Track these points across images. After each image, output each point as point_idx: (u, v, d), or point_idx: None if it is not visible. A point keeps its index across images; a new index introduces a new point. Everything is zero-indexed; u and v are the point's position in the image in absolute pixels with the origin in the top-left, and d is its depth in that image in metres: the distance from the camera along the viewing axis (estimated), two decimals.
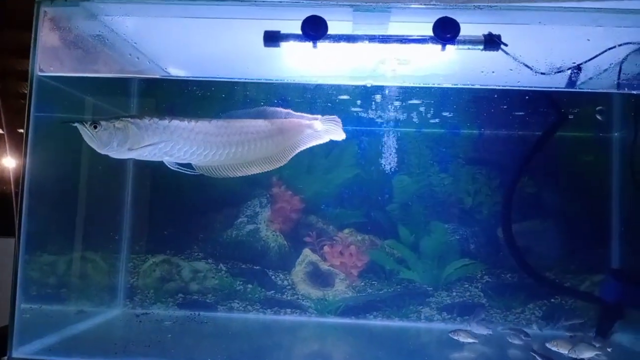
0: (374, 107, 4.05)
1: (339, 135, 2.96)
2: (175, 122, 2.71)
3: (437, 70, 2.95)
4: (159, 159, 2.80)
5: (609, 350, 3.20)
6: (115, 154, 2.69)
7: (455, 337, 3.36)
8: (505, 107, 3.81)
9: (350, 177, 4.51)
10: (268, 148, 2.86)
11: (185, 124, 2.72)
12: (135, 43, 3.03)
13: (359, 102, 3.99)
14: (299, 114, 2.92)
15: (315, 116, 2.90)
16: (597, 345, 3.26)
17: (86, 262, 4.21)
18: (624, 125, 4.10)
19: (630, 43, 2.84)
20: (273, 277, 4.38)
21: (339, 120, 2.93)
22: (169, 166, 2.84)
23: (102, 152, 2.66)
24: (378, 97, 3.81)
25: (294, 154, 2.93)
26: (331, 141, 4.52)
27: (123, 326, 3.76)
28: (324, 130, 2.93)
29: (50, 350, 2.94)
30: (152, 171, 4.38)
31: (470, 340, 3.37)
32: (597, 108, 3.45)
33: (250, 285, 4.30)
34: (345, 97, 3.81)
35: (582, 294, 4.08)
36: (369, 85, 3.32)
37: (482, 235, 4.36)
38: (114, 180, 4.28)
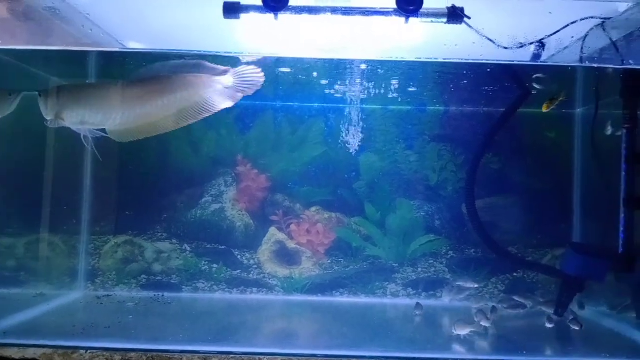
0: (339, 84, 3.99)
1: (254, 88, 2.81)
2: (87, 89, 2.85)
3: (400, 43, 2.90)
4: (79, 127, 2.86)
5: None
6: (51, 125, 2.82)
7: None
8: (470, 83, 3.80)
9: (317, 155, 4.48)
10: (174, 106, 2.79)
11: (92, 89, 2.85)
12: (88, 14, 2.88)
13: (326, 81, 3.93)
14: (211, 65, 2.80)
15: (226, 68, 2.78)
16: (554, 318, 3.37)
17: (45, 244, 4.10)
18: (587, 102, 4.16)
19: (591, 17, 2.84)
20: (239, 256, 4.34)
21: (257, 70, 2.80)
22: (84, 140, 2.89)
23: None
24: (344, 74, 3.75)
25: (208, 112, 2.81)
26: (297, 119, 4.52)
27: (83, 308, 3.67)
28: (236, 85, 2.79)
29: (5, 334, 2.84)
30: (113, 151, 4.26)
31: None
32: (534, 76, 3.43)
33: (215, 265, 4.25)
34: (315, 74, 3.76)
35: (543, 267, 4.16)
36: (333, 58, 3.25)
37: (447, 212, 4.40)
38: (73, 161, 4.15)
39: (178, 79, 2.79)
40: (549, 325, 3.31)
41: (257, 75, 2.81)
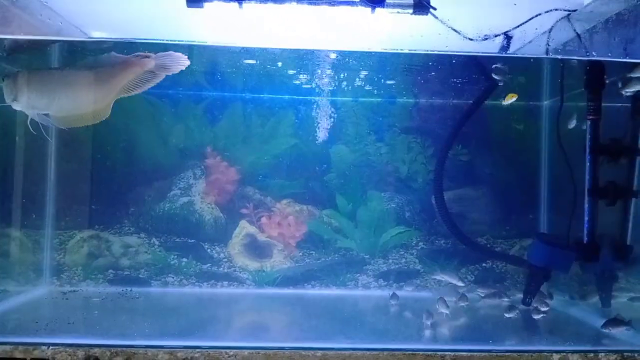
0: (309, 75, 3.97)
1: (177, 68, 2.93)
2: (38, 74, 2.94)
3: (367, 34, 2.89)
4: (30, 111, 2.96)
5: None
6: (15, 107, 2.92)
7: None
8: (438, 75, 3.82)
9: (287, 147, 4.45)
10: (101, 92, 2.95)
11: (41, 74, 2.96)
12: (46, 2, 2.80)
13: (294, 71, 3.90)
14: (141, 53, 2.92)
15: (146, 54, 2.90)
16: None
17: (8, 239, 3.98)
18: (553, 94, 4.21)
19: (556, 10, 2.87)
20: (209, 250, 4.29)
21: (177, 55, 2.90)
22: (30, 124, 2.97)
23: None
24: (312, 65, 3.73)
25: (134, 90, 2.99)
26: (267, 111, 4.47)
27: (48, 304, 3.59)
28: (159, 66, 2.91)
29: None
30: (78, 143, 4.17)
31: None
32: (493, 66, 3.45)
33: (185, 259, 4.20)
34: (281, 64, 3.72)
35: (511, 258, 4.22)
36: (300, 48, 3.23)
37: (417, 203, 4.42)
38: (36, 154, 4.04)
39: (114, 66, 2.93)
40: (508, 315, 3.35)
41: (181, 57, 2.92)
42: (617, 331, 2.97)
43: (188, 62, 2.88)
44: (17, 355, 2.51)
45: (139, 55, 2.86)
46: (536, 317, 3.36)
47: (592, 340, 3.01)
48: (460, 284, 3.85)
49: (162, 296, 3.94)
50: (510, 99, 3.71)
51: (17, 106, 2.92)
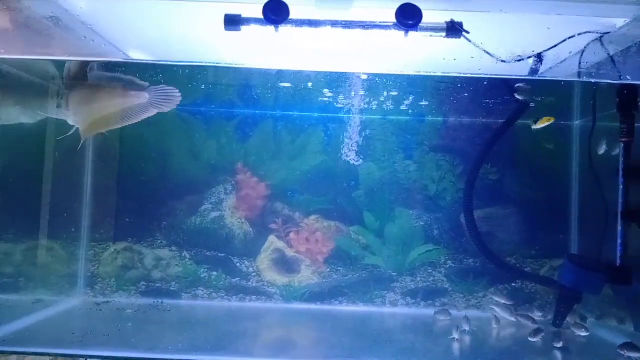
0: (339, 94, 4.02)
1: (167, 107, 3.03)
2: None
3: (400, 57, 2.93)
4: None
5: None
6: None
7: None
8: (469, 95, 3.82)
9: (316, 164, 4.51)
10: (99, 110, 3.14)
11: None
12: (90, 25, 2.91)
13: (326, 90, 3.96)
14: (139, 81, 3.07)
15: (143, 84, 3.00)
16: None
17: (44, 250, 4.11)
18: (584, 114, 4.18)
19: (589, 32, 2.86)
20: (238, 264, 4.35)
21: (173, 90, 2.98)
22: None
23: None
24: (344, 85, 3.78)
25: (125, 122, 3.12)
26: (297, 128, 4.55)
27: (82, 315, 3.68)
28: (150, 102, 3.01)
29: (5, 341, 2.85)
30: (113, 158, 4.29)
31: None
32: (516, 85, 3.42)
33: (215, 273, 4.26)
34: (310, 84, 3.78)
35: (541, 278, 4.17)
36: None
37: (445, 222, 4.42)
38: (73, 167, 4.17)
39: (102, 89, 3.12)
40: (533, 339, 3.33)
41: (174, 93, 3.02)
42: (634, 355, 3.00)
43: (180, 99, 2.97)
44: None
45: (134, 87, 2.97)
46: (557, 345, 3.29)
47: None
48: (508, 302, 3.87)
49: (192, 309, 4.00)
50: (543, 123, 3.67)
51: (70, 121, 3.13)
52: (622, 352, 3.04)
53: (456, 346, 3.13)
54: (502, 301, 3.90)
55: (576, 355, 3.25)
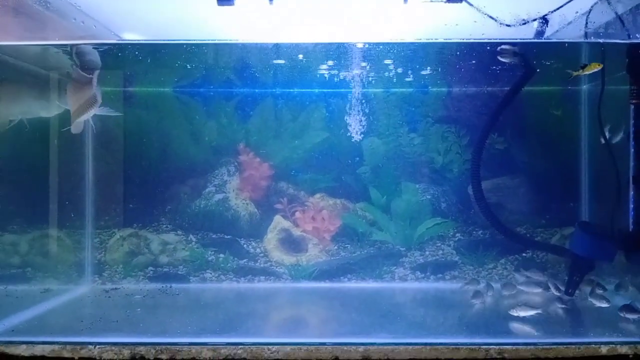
0: (339, 68, 3.93)
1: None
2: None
3: (400, 24, 2.84)
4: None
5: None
6: None
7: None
8: (473, 62, 3.72)
9: (319, 141, 4.44)
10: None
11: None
12: (79, 6, 2.84)
13: (325, 65, 3.86)
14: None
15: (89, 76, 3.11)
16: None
17: (50, 240, 4.09)
18: (593, 78, 4.07)
19: None
20: (245, 245, 4.32)
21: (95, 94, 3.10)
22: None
23: None
24: (343, 57, 3.68)
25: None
26: (298, 105, 4.47)
27: (91, 302, 3.67)
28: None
29: (14, 332, 2.84)
30: (114, 144, 4.25)
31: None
32: (499, 48, 3.20)
33: (222, 255, 4.24)
34: (307, 58, 3.69)
35: (552, 247, 4.12)
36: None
37: (453, 194, 4.36)
38: (74, 156, 4.13)
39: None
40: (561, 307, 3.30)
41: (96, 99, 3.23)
42: (631, 316, 3.01)
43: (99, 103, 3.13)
44: (65, 354, 2.58)
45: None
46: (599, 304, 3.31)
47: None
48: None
49: (201, 292, 3.99)
50: (592, 69, 3.32)
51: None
52: (622, 314, 3.04)
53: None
54: (535, 277, 3.83)
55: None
